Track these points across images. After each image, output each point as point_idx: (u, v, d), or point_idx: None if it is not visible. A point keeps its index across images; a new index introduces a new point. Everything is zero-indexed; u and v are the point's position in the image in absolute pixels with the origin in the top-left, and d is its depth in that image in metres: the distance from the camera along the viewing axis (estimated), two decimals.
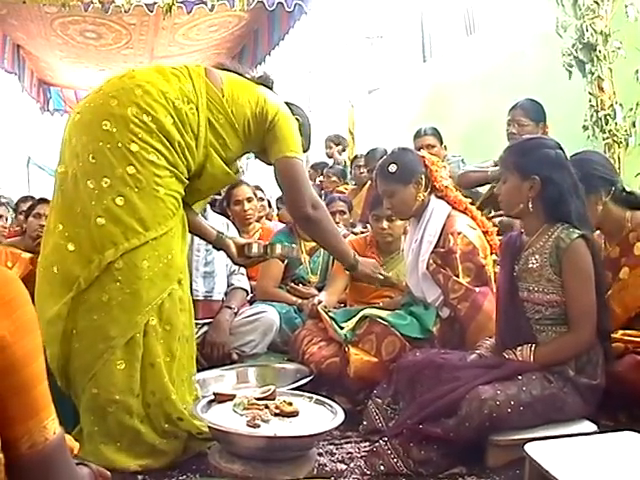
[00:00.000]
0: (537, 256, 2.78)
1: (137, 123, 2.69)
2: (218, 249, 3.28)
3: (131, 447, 2.70)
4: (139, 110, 2.71)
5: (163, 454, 2.74)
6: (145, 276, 2.66)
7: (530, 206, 2.81)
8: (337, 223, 5.40)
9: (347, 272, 3.74)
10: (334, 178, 7.81)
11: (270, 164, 3.15)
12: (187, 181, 2.88)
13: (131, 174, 2.66)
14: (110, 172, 2.66)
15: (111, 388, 2.66)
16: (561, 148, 2.87)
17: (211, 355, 3.89)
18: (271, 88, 3.14)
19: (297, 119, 3.16)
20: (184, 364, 2.88)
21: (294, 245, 3.41)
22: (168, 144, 2.75)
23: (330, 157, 8.76)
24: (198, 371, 3.28)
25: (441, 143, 5.38)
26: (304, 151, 3.34)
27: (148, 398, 2.73)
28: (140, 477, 2.64)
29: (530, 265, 2.80)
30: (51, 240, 2.75)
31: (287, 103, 3.24)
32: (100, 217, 2.63)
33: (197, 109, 2.84)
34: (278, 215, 6.86)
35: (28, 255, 4.16)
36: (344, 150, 8.77)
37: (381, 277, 3.55)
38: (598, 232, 3.32)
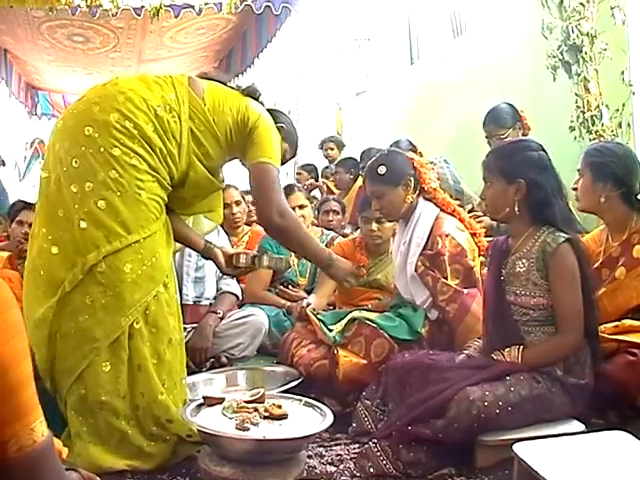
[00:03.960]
0: (524, 260, 2.80)
1: (119, 129, 2.72)
2: (207, 258, 3.28)
3: (119, 448, 2.72)
4: (121, 116, 2.74)
5: (150, 457, 2.74)
6: (128, 279, 2.67)
7: (516, 209, 2.82)
8: (330, 222, 5.42)
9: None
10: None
11: None
12: (170, 188, 2.90)
13: (113, 178, 2.68)
14: (92, 176, 2.68)
15: (98, 389, 2.68)
16: (544, 150, 2.88)
17: (192, 360, 3.88)
18: (257, 99, 3.13)
19: (282, 126, 3.18)
20: (177, 368, 2.90)
21: (282, 256, 3.40)
22: (150, 149, 2.77)
23: (328, 158, 8.74)
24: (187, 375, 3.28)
25: (415, 152, 5.43)
26: (291, 157, 3.39)
27: (137, 400, 2.74)
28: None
29: (517, 269, 2.82)
30: (36, 244, 2.78)
31: (274, 110, 3.28)
32: (83, 220, 2.66)
33: (179, 118, 2.86)
34: None
35: (6, 253, 4.17)
36: (340, 150, 8.76)
37: (353, 282, 3.40)
38: (603, 226, 3.39)
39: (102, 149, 2.70)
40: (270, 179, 2.99)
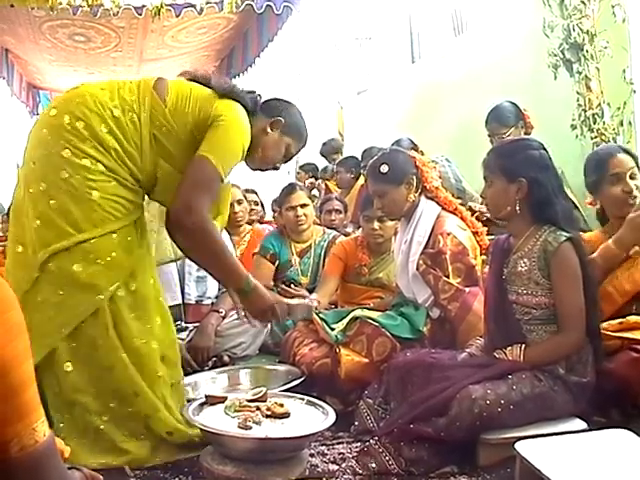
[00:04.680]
0: (525, 260, 2.79)
1: (70, 130, 2.73)
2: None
3: (95, 443, 2.73)
4: (73, 118, 2.75)
5: (124, 452, 2.75)
6: (77, 279, 2.69)
7: (517, 208, 2.82)
8: (333, 221, 5.42)
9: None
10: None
11: (253, 168, 3.15)
12: (139, 189, 2.88)
13: (63, 179, 2.70)
14: (45, 177, 2.72)
15: (68, 388, 2.71)
16: (545, 148, 2.88)
17: (195, 359, 3.88)
18: (239, 101, 2.97)
19: (279, 120, 3.08)
20: (154, 367, 2.86)
21: (310, 301, 3.27)
22: (103, 150, 2.75)
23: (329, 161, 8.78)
24: (188, 374, 3.29)
25: (417, 151, 5.45)
26: (298, 151, 3.28)
27: (109, 398, 2.76)
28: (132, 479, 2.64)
29: (519, 269, 2.81)
30: (9, 244, 2.86)
31: (276, 100, 3.21)
32: (37, 219, 2.71)
33: (139, 120, 2.83)
34: (274, 217, 6.88)
35: None
36: (341, 153, 8.77)
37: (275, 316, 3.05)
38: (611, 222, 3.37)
39: (53, 151, 2.73)
40: (199, 174, 2.77)
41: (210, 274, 3.05)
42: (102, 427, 2.74)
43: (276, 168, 3.20)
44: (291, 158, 3.28)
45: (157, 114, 2.85)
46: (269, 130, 3.08)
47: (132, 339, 2.80)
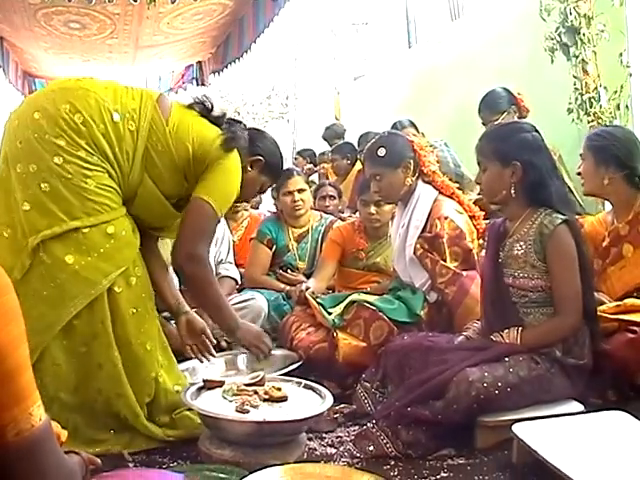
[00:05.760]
0: (521, 243, 2.80)
1: (67, 121, 2.66)
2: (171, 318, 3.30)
3: (72, 438, 2.66)
4: (72, 108, 2.68)
5: (101, 442, 2.73)
6: (69, 270, 2.62)
7: (512, 192, 2.82)
8: (327, 207, 5.43)
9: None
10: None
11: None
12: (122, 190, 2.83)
13: (58, 164, 2.63)
14: (37, 159, 2.64)
15: (52, 384, 2.66)
16: (537, 131, 2.89)
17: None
18: (238, 148, 2.96)
19: (259, 159, 3.14)
20: (145, 367, 2.83)
21: None
22: (95, 148, 2.70)
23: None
24: (185, 360, 3.29)
25: (417, 131, 5.48)
26: (270, 186, 3.39)
27: (93, 394, 2.74)
28: (131, 465, 2.64)
29: (515, 252, 2.82)
30: None
31: (259, 134, 3.25)
32: (26, 202, 2.62)
33: (137, 131, 2.78)
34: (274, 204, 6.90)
35: None
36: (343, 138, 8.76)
37: (263, 347, 3.30)
38: (609, 209, 3.47)
39: (46, 136, 2.64)
40: (200, 219, 2.87)
41: (207, 312, 3.19)
42: (79, 424, 2.71)
43: (247, 201, 3.26)
44: (261, 193, 3.41)
45: (156, 130, 2.82)
46: (249, 168, 3.12)
47: (128, 337, 2.76)
